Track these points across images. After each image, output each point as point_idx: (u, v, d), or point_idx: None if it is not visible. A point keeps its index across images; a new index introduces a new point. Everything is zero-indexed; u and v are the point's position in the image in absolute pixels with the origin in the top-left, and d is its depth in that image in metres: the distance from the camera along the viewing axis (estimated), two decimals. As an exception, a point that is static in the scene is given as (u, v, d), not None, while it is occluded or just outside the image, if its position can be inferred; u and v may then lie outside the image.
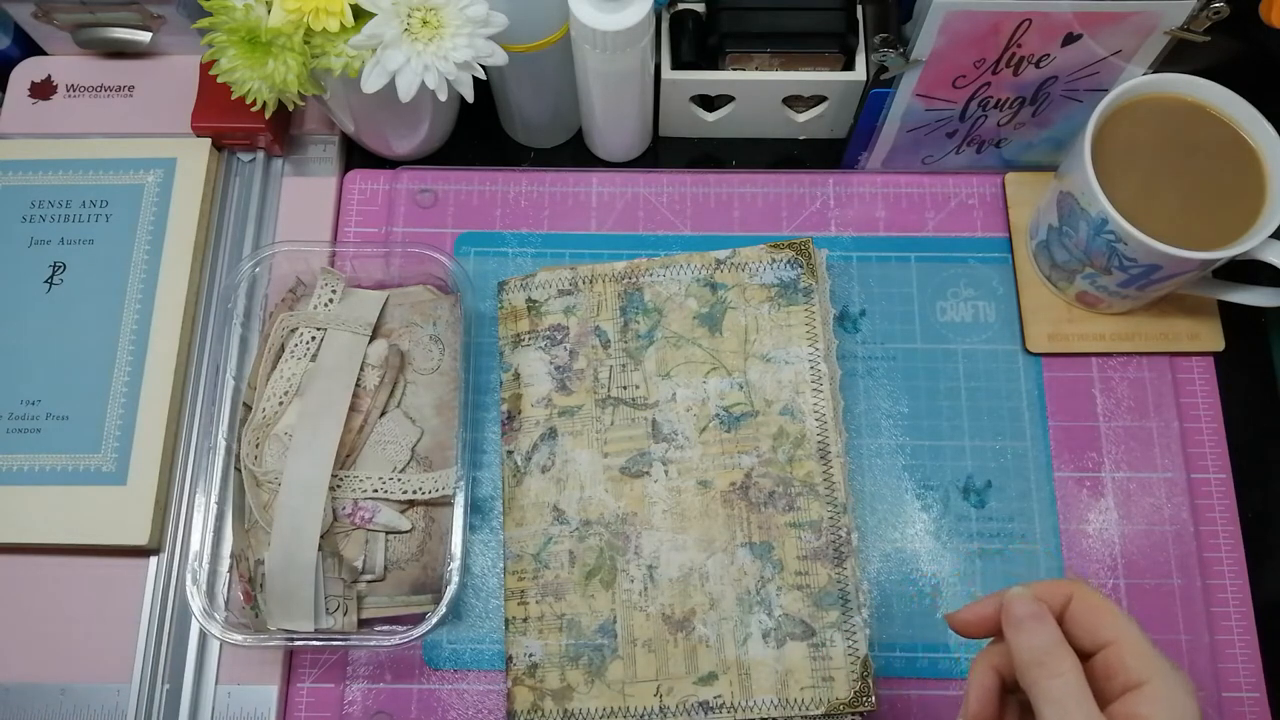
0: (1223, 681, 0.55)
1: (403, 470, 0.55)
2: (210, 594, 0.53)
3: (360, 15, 0.50)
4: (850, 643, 0.51)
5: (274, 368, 0.56)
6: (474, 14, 0.50)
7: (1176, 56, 0.54)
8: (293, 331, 0.56)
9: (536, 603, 0.54)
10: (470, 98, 0.53)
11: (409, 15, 0.50)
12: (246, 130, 0.62)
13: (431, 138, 0.63)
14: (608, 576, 0.54)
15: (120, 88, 0.65)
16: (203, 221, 0.62)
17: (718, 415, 0.55)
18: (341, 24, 0.50)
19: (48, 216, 0.61)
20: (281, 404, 0.55)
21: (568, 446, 0.56)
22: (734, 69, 0.59)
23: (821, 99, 0.62)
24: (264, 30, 0.50)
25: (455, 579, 0.52)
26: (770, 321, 0.56)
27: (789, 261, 0.57)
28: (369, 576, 0.53)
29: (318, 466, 0.53)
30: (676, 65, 0.60)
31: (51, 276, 0.60)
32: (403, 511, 0.54)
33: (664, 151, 0.66)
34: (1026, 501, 0.57)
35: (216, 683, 0.55)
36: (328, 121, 0.65)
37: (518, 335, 0.58)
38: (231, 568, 0.54)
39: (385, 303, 0.58)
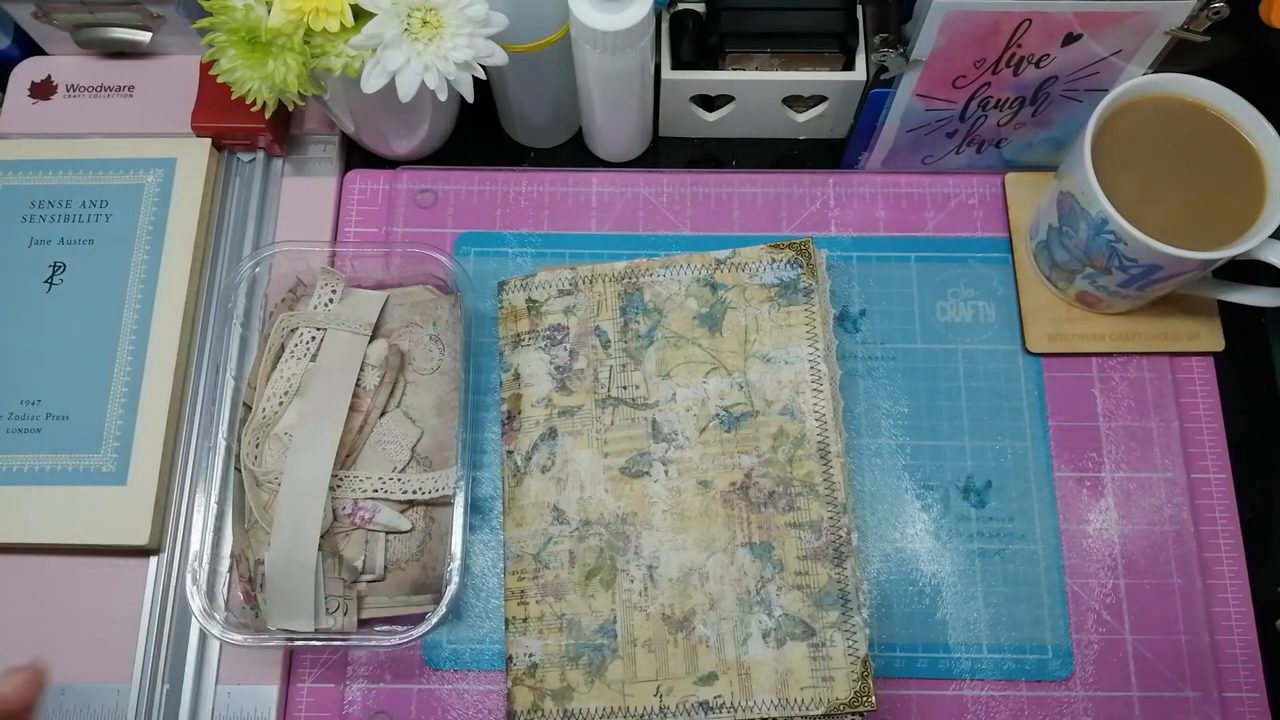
0: (1223, 681, 0.55)
1: (403, 470, 0.55)
2: (210, 594, 0.53)
3: (360, 15, 0.50)
4: (850, 643, 0.51)
5: (274, 368, 0.56)
6: (474, 14, 0.50)
7: (1176, 56, 0.54)
8: (293, 331, 0.56)
9: (536, 603, 0.54)
10: (470, 98, 0.53)
11: (409, 15, 0.50)
12: (246, 130, 0.62)
13: (431, 138, 0.63)
14: (608, 576, 0.54)
15: (120, 88, 0.65)
16: (203, 221, 0.62)
17: (718, 415, 0.55)
18: (341, 24, 0.50)
19: (48, 216, 0.61)
20: (281, 404, 0.55)
21: (568, 446, 0.56)
22: (734, 69, 0.59)
23: (821, 99, 0.62)
24: (264, 30, 0.50)
25: (455, 579, 0.52)
26: (770, 321, 0.56)
27: (789, 261, 0.57)
28: (369, 576, 0.53)
29: (318, 466, 0.53)
30: (676, 65, 0.60)
31: (51, 276, 0.60)
32: (403, 511, 0.54)
33: (664, 151, 0.66)
34: (1026, 501, 0.57)
35: (216, 683, 0.55)
36: (328, 121, 0.65)
37: (518, 335, 0.58)
38: (231, 568, 0.54)
39: (385, 303, 0.58)
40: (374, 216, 0.63)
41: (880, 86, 0.56)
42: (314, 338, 0.56)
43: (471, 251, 0.62)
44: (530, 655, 0.53)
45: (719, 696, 0.51)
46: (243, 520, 0.55)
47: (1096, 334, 0.60)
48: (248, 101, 0.53)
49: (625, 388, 0.56)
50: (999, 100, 0.57)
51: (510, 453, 0.57)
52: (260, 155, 0.64)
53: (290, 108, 0.55)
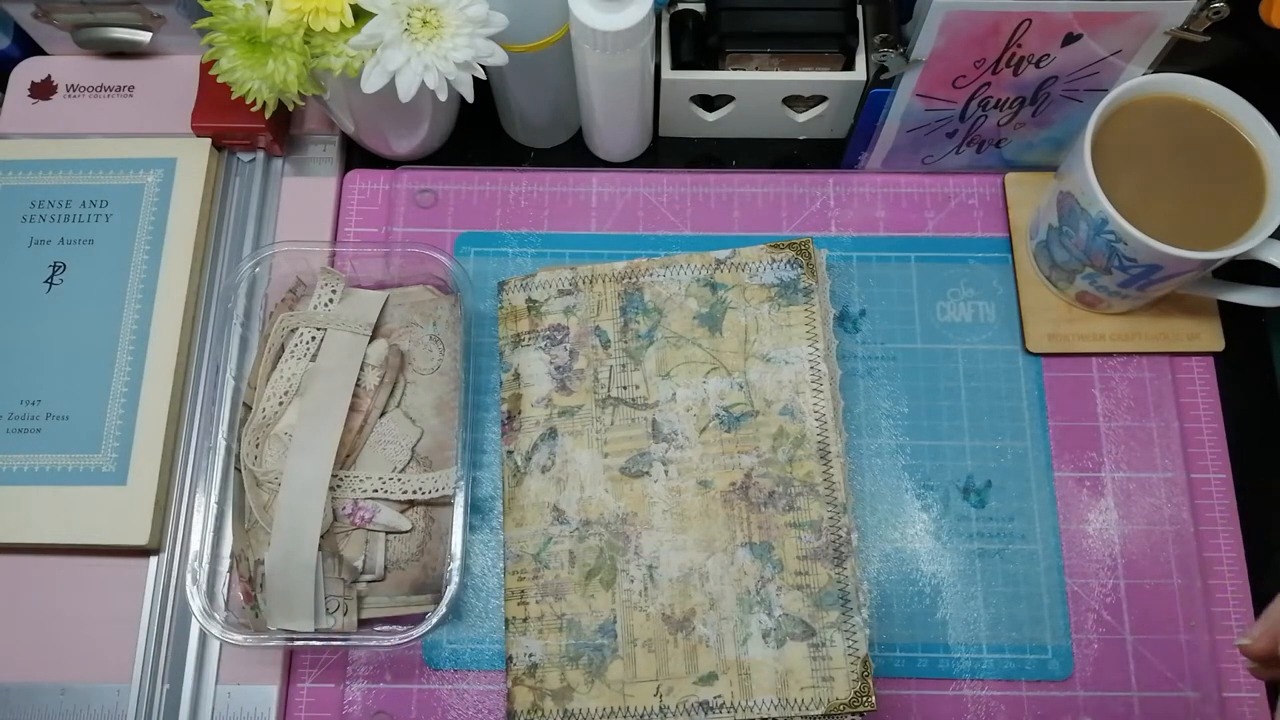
0: (1223, 681, 0.55)
1: (403, 470, 0.55)
2: (210, 594, 0.53)
3: (360, 15, 0.50)
4: (850, 643, 0.51)
5: (274, 368, 0.56)
6: (474, 14, 0.50)
7: (1176, 56, 0.54)
8: (293, 331, 0.56)
9: (536, 603, 0.54)
10: (470, 98, 0.53)
11: (409, 15, 0.50)
12: (246, 130, 0.62)
13: (431, 138, 0.63)
14: (608, 576, 0.54)
15: (120, 88, 0.65)
16: (203, 221, 0.62)
17: (718, 415, 0.55)
18: (341, 24, 0.50)
19: (48, 216, 0.61)
20: (281, 404, 0.55)
21: (568, 446, 0.56)
22: (734, 69, 0.59)
23: (821, 99, 0.62)
24: (264, 30, 0.50)
25: (455, 579, 0.52)
26: (770, 321, 0.56)
27: (789, 261, 0.57)
28: (369, 576, 0.53)
29: (318, 466, 0.53)
30: (676, 65, 0.60)
31: (51, 276, 0.60)
32: (403, 511, 0.54)
33: (664, 151, 0.66)
34: (1026, 501, 0.57)
35: (216, 683, 0.55)
36: (328, 121, 0.65)
37: (518, 335, 0.58)
38: (231, 568, 0.54)
39: (385, 303, 0.58)
40: (374, 216, 0.63)
41: (880, 86, 0.56)
42: (314, 338, 0.56)
43: (471, 251, 0.62)
44: (530, 655, 0.53)
45: (719, 696, 0.51)
46: (243, 520, 0.55)
47: (1096, 334, 0.60)
48: (248, 101, 0.53)
49: (625, 388, 0.56)
50: (999, 100, 0.57)
51: (510, 453, 0.57)
52: (260, 155, 0.64)
53: (290, 108, 0.55)
